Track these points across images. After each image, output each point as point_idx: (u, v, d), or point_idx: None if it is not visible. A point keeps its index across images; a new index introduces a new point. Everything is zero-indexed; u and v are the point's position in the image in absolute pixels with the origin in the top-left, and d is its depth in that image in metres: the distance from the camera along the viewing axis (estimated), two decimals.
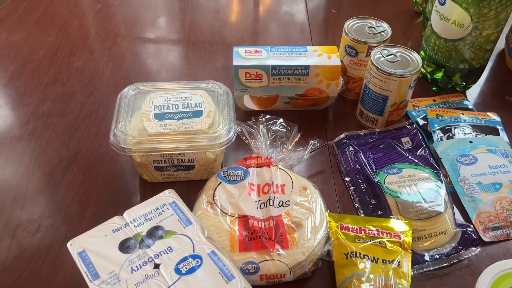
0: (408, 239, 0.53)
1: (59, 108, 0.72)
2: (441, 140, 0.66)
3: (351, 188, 0.61)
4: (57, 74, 0.78)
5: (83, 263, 0.45)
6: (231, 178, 0.57)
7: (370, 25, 0.71)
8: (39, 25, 0.89)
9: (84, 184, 0.61)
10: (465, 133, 0.67)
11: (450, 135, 0.67)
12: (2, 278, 0.52)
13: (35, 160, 0.64)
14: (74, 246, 0.47)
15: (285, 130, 0.64)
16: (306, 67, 0.66)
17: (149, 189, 0.61)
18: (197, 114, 0.58)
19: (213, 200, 0.55)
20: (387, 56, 0.65)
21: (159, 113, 0.58)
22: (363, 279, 0.48)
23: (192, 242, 0.48)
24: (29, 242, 0.55)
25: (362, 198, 0.60)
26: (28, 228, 0.56)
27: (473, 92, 0.77)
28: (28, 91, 0.75)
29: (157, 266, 0.46)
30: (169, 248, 0.47)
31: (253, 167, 0.58)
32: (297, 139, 0.63)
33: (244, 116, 0.71)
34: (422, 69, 0.77)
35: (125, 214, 0.50)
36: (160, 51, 0.84)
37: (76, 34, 0.87)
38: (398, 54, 0.65)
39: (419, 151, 0.63)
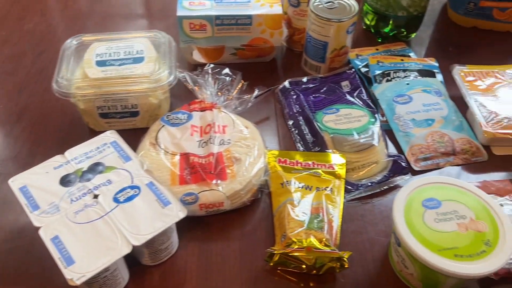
0: (342, 170, 0.56)
1: (10, 67, 0.73)
2: (380, 83, 0.69)
3: (293, 130, 0.64)
4: (8, 36, 0.79)
5: (24, 196, 0.47)
6: (174, 122, 0.59)
7: None
8: None
9: (33, 135, 0.63)
10: (403, 77, 0.70)
11: (389, 78, 0.70)
12: None
13: None
14: (15, 182, 0.48)
15: (230, 78, 0.66)
16: (249, 17, 0.68)
17: None
18: (138, 60, 0.60)
19: (156, 141, 0.57)
20: (325, 3, 0.67)
21: (101, 60, 0.59)
22: (296, 203, 0.51)
23: (131, 175, 0.50)
24: None
25: (302, 137, 0.62)
26: None
27: (416, 42, 0.80)
28: None
29: (96, 196, 0.48)
30: (108, 181, 0.49)
31: (197, 111, 0.60)
32: (240, 85, 0.65)
33: (193, 69, 0.72)
34: (367, 21, 0.80)
35: (66, 152, 0.52)
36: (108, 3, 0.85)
37: None
38: (336, 1, 0.68)
39: (356, 92, 0.66)
